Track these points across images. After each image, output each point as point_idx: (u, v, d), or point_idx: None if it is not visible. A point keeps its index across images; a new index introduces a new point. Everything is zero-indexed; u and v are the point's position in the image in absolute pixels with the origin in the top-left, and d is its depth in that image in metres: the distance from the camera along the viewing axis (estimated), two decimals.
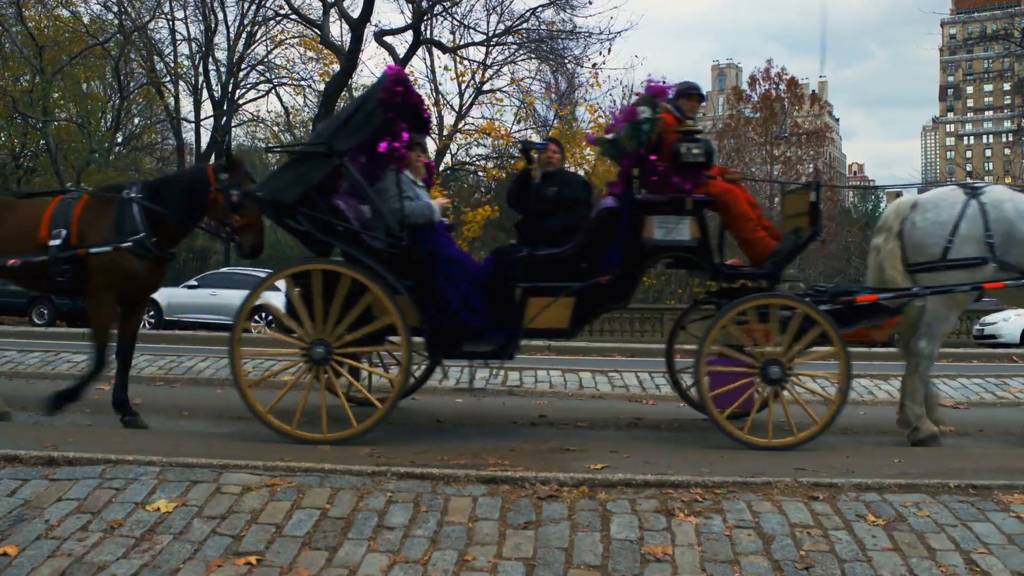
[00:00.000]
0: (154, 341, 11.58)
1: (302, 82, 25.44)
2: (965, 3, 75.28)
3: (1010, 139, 67.45)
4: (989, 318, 18.86)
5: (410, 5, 20.38)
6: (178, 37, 25.60)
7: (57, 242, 5.68)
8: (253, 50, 25.61)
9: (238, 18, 24.92)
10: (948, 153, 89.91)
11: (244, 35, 25.11)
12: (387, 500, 3.78)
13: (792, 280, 7.12)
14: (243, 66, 25.43)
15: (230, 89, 25.21)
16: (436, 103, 23.54)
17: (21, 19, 21.56)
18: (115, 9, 22.82)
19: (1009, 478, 4.18)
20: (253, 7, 24.46)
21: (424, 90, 23.67)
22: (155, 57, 25.05)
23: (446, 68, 23.33)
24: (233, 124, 26.41)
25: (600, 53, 26.87)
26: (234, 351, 5.44)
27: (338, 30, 22.19)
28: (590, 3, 20.91)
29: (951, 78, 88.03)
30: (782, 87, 37.48)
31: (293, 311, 5.50)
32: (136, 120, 28.08)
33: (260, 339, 5.83)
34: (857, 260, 26.87)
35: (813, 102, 40.82)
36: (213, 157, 25.54)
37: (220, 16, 24.84)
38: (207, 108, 25.98)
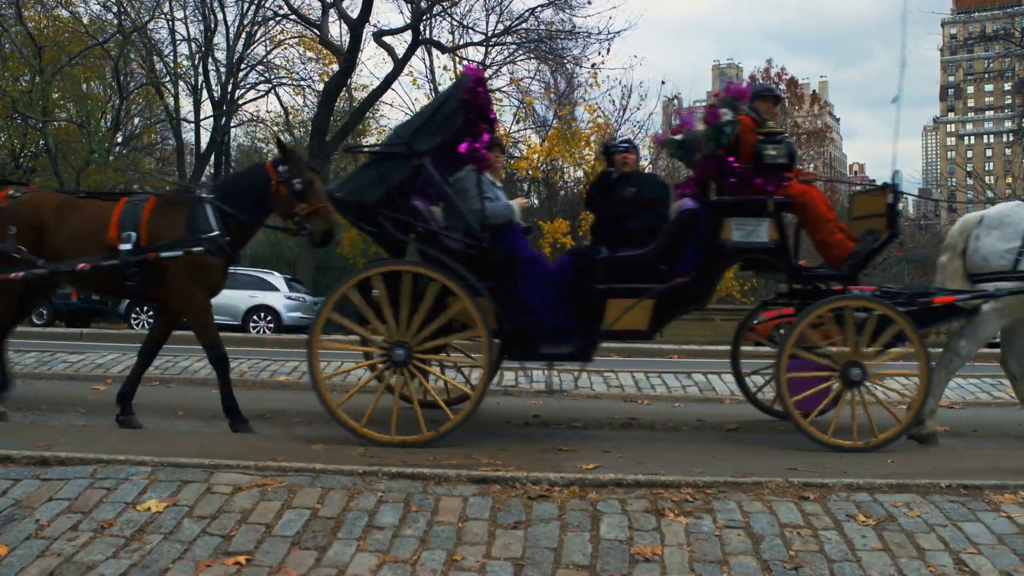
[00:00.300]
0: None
1: (302, 82, 25.48)
2: (966, 3, 75.23)
3: (1010, 139, 67.45)
4: None
5: (409, 5, 20.40)
6: (178, 37, 25.65)
7: (128, 246, 5.62)
8: (252, 50, 25.63)
9: (237, 18, 24.95)
10: (949, 153, 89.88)
11: (244, 35, 25.12)
12: (378, 500, 3.79)
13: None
14: (243, 66, 25.45)
15: (230, 89, 25.22)
16: None
17: (20, 19, 21.55)
18: (115, 9, 22.84)
19: (1001, 478, 4.19)
20: (252, 7, 24.49)
21: (423, 90, 23.72)
22: (155, 57, 25.05)
23: (445, 68, 23.36)
24: (233, 124, 26.43)
25: (599, 53, 26.97)
26: (312, 353, 5.39)
27: (337, 30, 22.22)
28: (589, 3, 20.97)
29: (952, 78, 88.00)
30: (782, 87, 37.46)
31: (363, 313, 5.44)
32: (136, 120, 28.08)
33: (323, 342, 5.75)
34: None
35: (813, 102, 40.85)
36: (213, 157, 25.56)
37: (220, 16, 24.87)
38: (207, 108, 26.01)
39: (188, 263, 5.63)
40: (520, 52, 22.24)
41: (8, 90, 21.57)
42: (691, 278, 5.54)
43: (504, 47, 22.28)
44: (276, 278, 18.56)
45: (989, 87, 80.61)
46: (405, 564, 3.33)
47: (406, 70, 21.53)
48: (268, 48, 25.76)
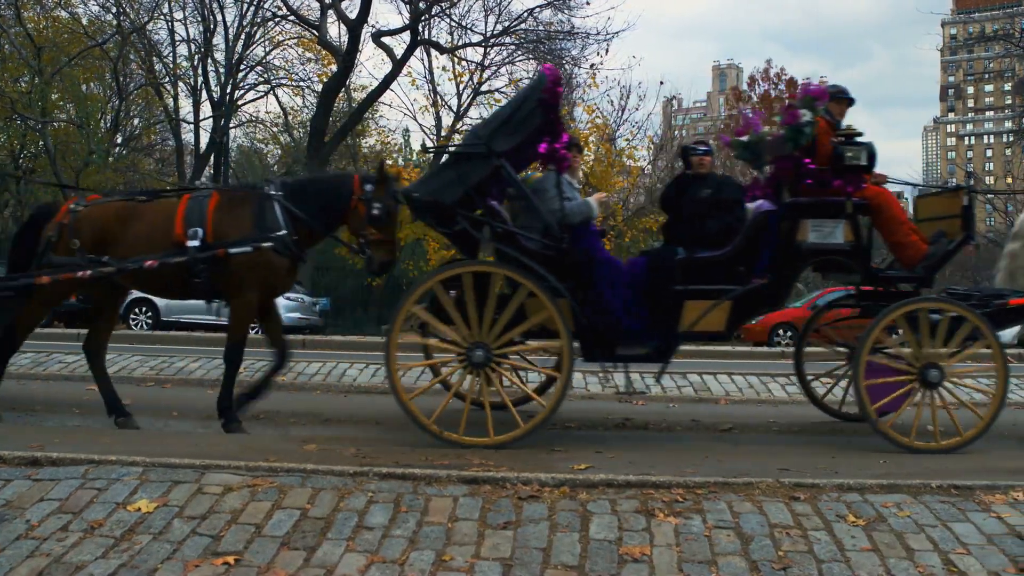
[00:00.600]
0: (147, 342, 11.61)
1: (301, 83, 25.49)
2: (966, 3, 75.24)
3: (1011, 139, 67.38)
4: None
5: (408, 6, 20.40)
6: (177, 38, 25.66)
7: (195, 242, 5.55)
8: (252, 51, 25.65)
9: (237, 19, 24.96)
10: (949, 153, 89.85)
11: (243, 36, 25.14)
12: (368, 500, 3.79)
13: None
14: (242, 67, 25.46)
15: (229, 90, 25.24)
16: (434, 104, 23.59)
17: (20, 20, 21.57)
18: (114, 10, 22.85)
19: (994, 479, 4.19)
20: (252, 8, 24.50)
21: (422, 91, 23.74)
22: (154, 58, 25.07)
23: (444, 69, 23.38)
24: (232, 125, 26.44)
25: (598, 54, 26.93)
26: (390, 358, 5.36)
27: (336, 31, 22.23)
28: (588, 3, 20.98)
29: (952, 78, 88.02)
30: (781, 87, 37.41)
31: (443, 314, 5.40)
32: (135, 121, 28.09)
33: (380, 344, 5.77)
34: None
35: None
36: (212, 158, 25.58)
37: (219, 17, 24.88)
38: (206, 109, 26.03)
39: (253, 260, 5.55)
40: (519, 53, 22.25)
41: (7, 91, 21.57)
42: (768, 280, 5.55)
43: (503, 48, 22.29)
44: None
45: (989, 87, 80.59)
46: (394, 564, 3.33)
47: (405, 71, 21.57)
48: (267, 49, 25.79)
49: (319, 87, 23.10)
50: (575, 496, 3.87)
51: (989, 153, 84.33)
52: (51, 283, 5.68)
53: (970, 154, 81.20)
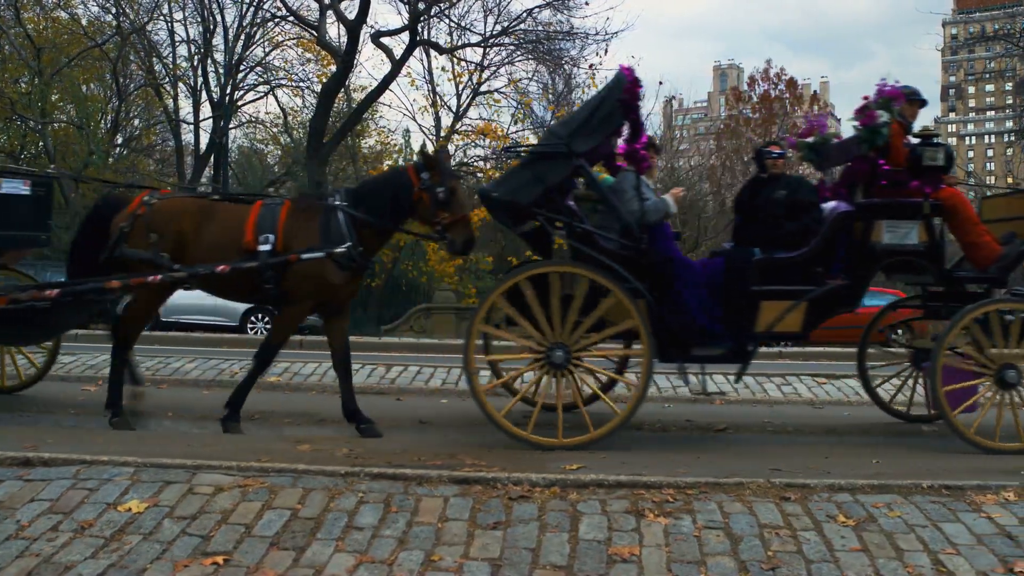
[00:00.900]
0: (144, 342, 11.58)
1: (300, 84, 25.50)
2: (967, 3, 75.12)
3: (1011, 139, 67.35)
4: None
5: (407, 6, 20.40)
6: (177, 39, 25.67)
7: (267, 247, 5.56)
8: (251, 52, 25.66)
9: (236, 20, 24.97)
10: None
11: (242, 37, 25.14)
12: (358, 500, 3.79)
13: None
14: (241, 68, 25.47)
15: (228, 91, 25.25)
16: (433, 104, 23.59)
17: (19, 21, 21.59)
18: (113, 11, 22.86)
19: (986, 479, 4.19)
20: (251, 9, 24.51)
21: (421, 91, 23.75)
22: (154, 59, 25.08)
23: (443, 69, 23.36)
24: (232, 126, 26.45)
25: (597, 54, 26.90)
26: (468, 359, 5.39)
27: (336, 32, 22.23)
28: (587, 3, 20.97)
29: (952, 78, 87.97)
30: (781, 87, 37.40)
31: (523, 315, 5.38)
32: (135, 122, 28.10)
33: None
34: None
35: (812, 102, 40.74)
36: (212, 159, 25.58)
37: (218, 18, 24.89)
38: (206, 110, 26.05)
39: (310, 271, 5.55)
40: (518, 53, 22.24)
41: (7, 92, 21.58)
42: (843, 280, 5.56)
43: (502, 48, 22.28)
44: None
45: (990, 87, 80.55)
46: (382, 564, 3.34)
47: (404, 71, 21.57)
48: (267, 50, 25.80)
49: (318, 87, 23.11)
50: (565, 496, 3.88)
51: (990, 153, 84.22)
52: (122, 287, 5.65)
53: (971, 154, 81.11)
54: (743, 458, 5.06)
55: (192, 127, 26.55)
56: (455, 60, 22.41)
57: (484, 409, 5.34)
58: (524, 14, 20.90)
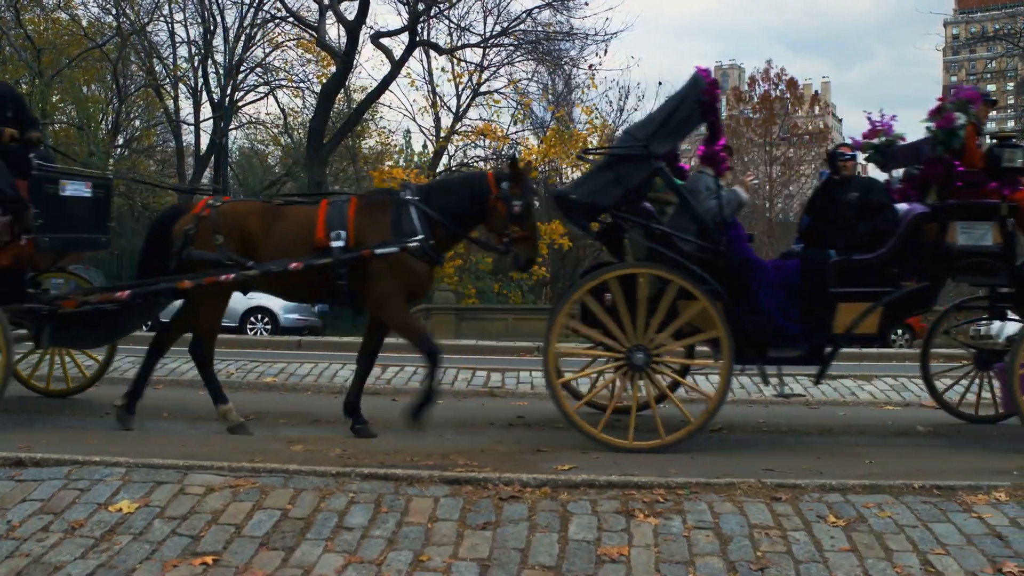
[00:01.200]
0: (141, 343, 11.56)
1: (301, 84, 25.52)
2: (968, 3, 75.01)
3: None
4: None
5: (406, 7, 20.44)
6: (177, 40, 25.69)
7: (339, 243, 5.53)
8: (251, 53, 25.67)
9: (237, 20, 24.99)
10: None
11: (243, 38, 25.16)
12: (349, 501, 3.80)
13: None
14: (242, 68, 25.48)
15: (229, 91, 25.26)
16: (433, 105, 23.60)
17: (19, 22, 21.62)
18: (113, 12, 22.90)
19: (979, 479, 4.19)
20: (251, 10, 24.53)
21: (421, 92, 23.76)
22: (154, 60, 25.11)
23: (443, 70, 23.38)
24: (232, 127, 26.46)
25: (596, 54, 26.92)
26: (548, 361, 5.39)
27: (336, 33, 22.25)
28: (586, 4, 20.99)
29: (954, 78, 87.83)
30: (782, 87, 37.46)
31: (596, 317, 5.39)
32: (136, 123, 28.13)
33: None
34: None
35: (813, 102, 40.79)
36: (213, 159, 25.59)
37: (219, 19, 24.91)
38: (207, 110, 26.07)
39: (393, 263, 5.53)
40: (518, 53, 22.28)
41: None
42: (918, 282, 5.57)
43: (501, 48, 22.31)
44: None
45: (991, 87, 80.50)
46: (371, 564, 3.34)
47: (404, 72, 21.59)
48: (267, 51, 25.81)
49: (319, 88, 23.13)
50: (556, 497, 3.88)
51: None
52: (195, 286, 5.63)
53: None
54: (736, 458, 5.06)
55: (192, 128, 26.59)
56: (455, 61, 22.42)
57: (562, 409, 5.35)
58: (524, 14, 20.98)
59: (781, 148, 38.18)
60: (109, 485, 3.89)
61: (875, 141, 6.22)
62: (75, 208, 6.08)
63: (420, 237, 5.53)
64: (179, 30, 25.47)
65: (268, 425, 6.18)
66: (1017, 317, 6.42)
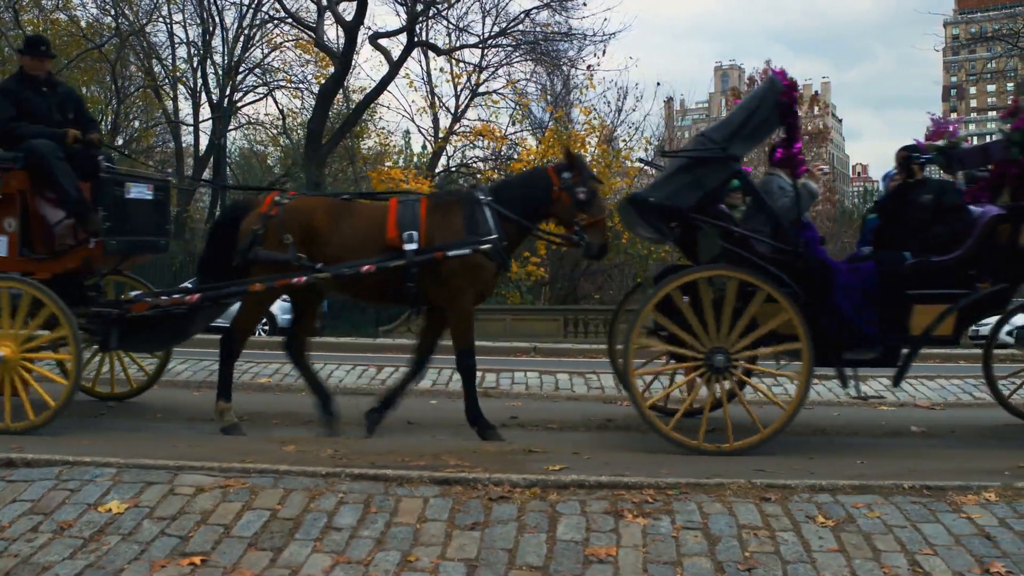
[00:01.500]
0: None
1: (299, 85, 25.54)
2: (968, 3, 75.04)
3: None
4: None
5: (404, 8, 20.45)
6: (176, 40, 25.72)
7: (412, 245, 5.47)
8: (250, 53, 25.70)
9: (236, 21, 25.02)
10: None
11: (242, 38, 25.18)
12: (338, 501, 3.80)
13: None
14: (240, 69, 25.51)
15: (228, 92, 25.29)
16: (432, 105, 23.62)
17: (18, 23, 21.67)
18: (112, 12, 22.93)
19: (970, 479, 4.18)
20: (250, 11, 24.56)
21: (420, 92, 23.79)
22: (153, 60, 25.15)
23: (441, 70, 23.40)
24: (231, 127, 26.49)
25: (595, 55, 26.95)
26: (628, 367, 5.40)
27: (334, 33, 22.27)
28: (584, 4, 21.01)
29: (954, 78, 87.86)
30: None
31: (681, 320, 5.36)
32: (135, 123, 28.16)
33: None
34: None
35: (812, 103, 40.76)
36: (212, 160, 25.62)
37: (217, 20, 24.93)
38: (206, 111, 26.10)
39: (465, 263, 5.50)
40: (516, 54, 22.30)
41: None
42: (993, 284, 5.56)
43: (500, 49, 22.33)
44: None
45: (991, 87, 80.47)
46: (359, 565, 3.34)
47: (403, 72, 21.61)
48: (265, 52, 25.85)
49: (317, 89, 23.15)
50: (546, 497, 3.88)
51: None
52: (266, 290, 5.61)
53: None
54: (728, 459, 5.06)
55: (191, 128, 26.62)
56: (453, 61, 22.45)
57: (644, 416, 5.35)
58: (522, 15, 21.00)
59: None
60: (99, 485, 3.90)
61: (939, 143, 6.23)
62: (138, 211, 6.05)
63: (494, 237, 5.51)
64: (178, 31, 25.57)
65: (261, 426, 6.19)
66: None
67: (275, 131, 27.49)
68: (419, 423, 6.27)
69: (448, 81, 23.65)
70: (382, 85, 21.11)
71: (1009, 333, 9.77)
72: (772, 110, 5.41)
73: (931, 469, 4.64)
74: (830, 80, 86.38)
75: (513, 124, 23.51)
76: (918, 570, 3.38)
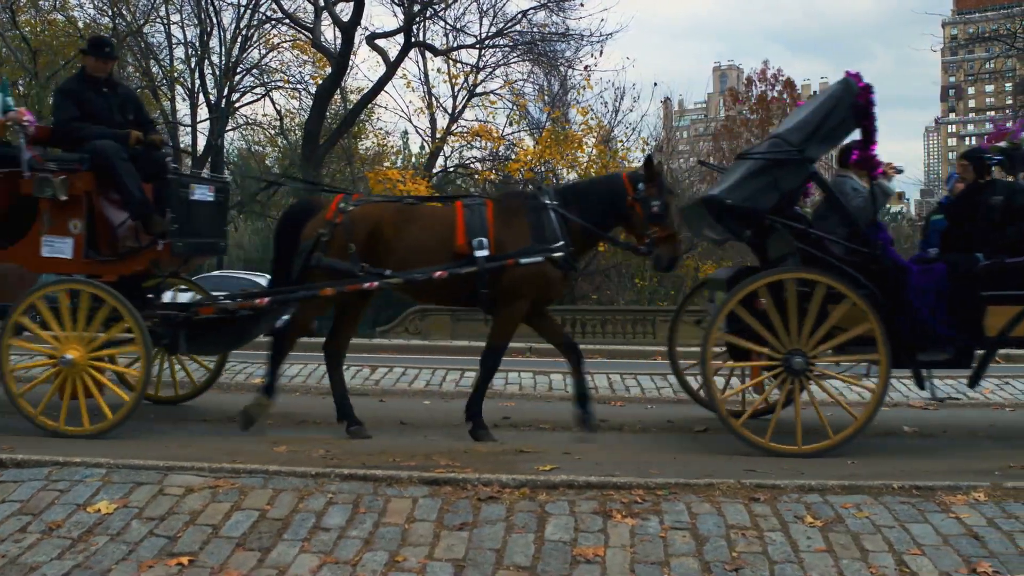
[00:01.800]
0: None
1: (297, 86, 25.53)
2: (967, 3, 75.04)
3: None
4: None
5: (401, 8, 20.47)
6: (173, 41, 25.69)
7: (483, 252, 5.46)
8: (248, 54, 25.68)
9: (233, 22, 25.00)
10: (950, 154, 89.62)
11: (239, 39, 25.16)
12: (327, 501, 3.82)
13: None
14: (238, 70, 25.49)
15: (225, 93, 25.27)
16: (429, 106, 23.63)
17: (15, 23, 21.66)
18: (110, 13, 22.91)
19: (961, 479, 4.19)
20: (248, 11, 24.53)
21: (417, 93, 23.78)
22: (150, 61, 25.12)
23: (439, 71, 23.40)
24: (229, 128, 26.47)
25: (592, 55, 26.97)
26: (706, 363, 5.40)
27: (332, 34, 22.27)
28: (581, 5, 21.03)
29: (952, 79, 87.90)
30: (779, 88, 37.39)
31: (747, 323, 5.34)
32: None
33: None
34: None
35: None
36: (209, 160, 25.58)
37: (215, 20, 24.90)
38: (203, 112, 26.07)
39: (531, 270, 5.49)
40: (513, 54, 22.31)
41: None
42: None
43: (497, 49, 22.34)
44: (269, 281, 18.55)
45: (990, 87, 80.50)
46: (346, 565, 3.35)
47: (400, 73, 21.62)
48: (263, 52, 25.82)
49: (314, 89, 23.15)
50: (535, 497, 3.89)
51: None
52: (336, 294, 5.58)
53: None
54: (719, 459, 5.06)
55: (189, 129, 26.59)
56: (450, 62, 22.45)
57: (720, 415, 5.35)
58: (519, 16, 21.01)
59: None
60: (89, 486, 3.91)
61: (1001, 144, 6.25)
62: (201, 213, 6.04)
63: (561, 244, 5.51)
64: (175, 31, 25.48)
65: (255, 426, 6.17)
66: None
67: (273, 132, 27.48)
68: (412, 423, 6.26)
69: (445, 81, 23.65)
70: (379, 85, 21.13)
71: None
72: (848, 112, 5.42)
73: (922, 469, 4.66)
74: (828, 80, 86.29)
75: (510, 124, 23.53)
76: (905, 570, 3.38)
